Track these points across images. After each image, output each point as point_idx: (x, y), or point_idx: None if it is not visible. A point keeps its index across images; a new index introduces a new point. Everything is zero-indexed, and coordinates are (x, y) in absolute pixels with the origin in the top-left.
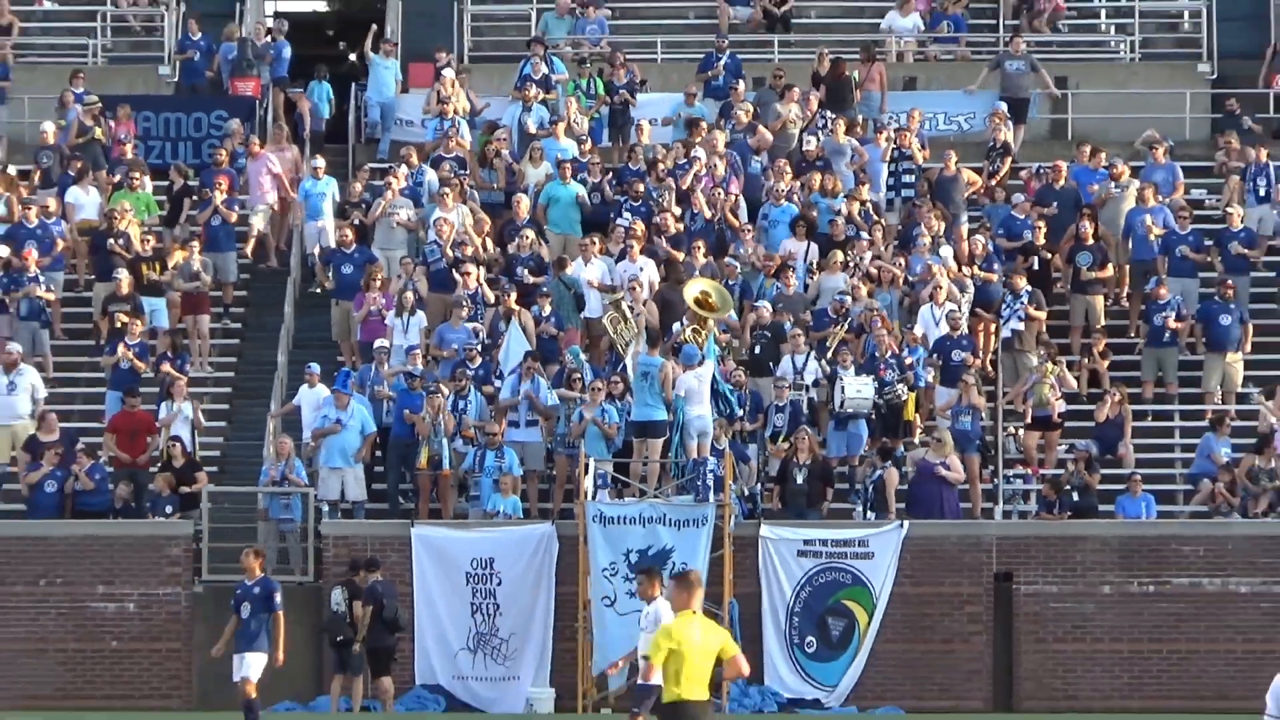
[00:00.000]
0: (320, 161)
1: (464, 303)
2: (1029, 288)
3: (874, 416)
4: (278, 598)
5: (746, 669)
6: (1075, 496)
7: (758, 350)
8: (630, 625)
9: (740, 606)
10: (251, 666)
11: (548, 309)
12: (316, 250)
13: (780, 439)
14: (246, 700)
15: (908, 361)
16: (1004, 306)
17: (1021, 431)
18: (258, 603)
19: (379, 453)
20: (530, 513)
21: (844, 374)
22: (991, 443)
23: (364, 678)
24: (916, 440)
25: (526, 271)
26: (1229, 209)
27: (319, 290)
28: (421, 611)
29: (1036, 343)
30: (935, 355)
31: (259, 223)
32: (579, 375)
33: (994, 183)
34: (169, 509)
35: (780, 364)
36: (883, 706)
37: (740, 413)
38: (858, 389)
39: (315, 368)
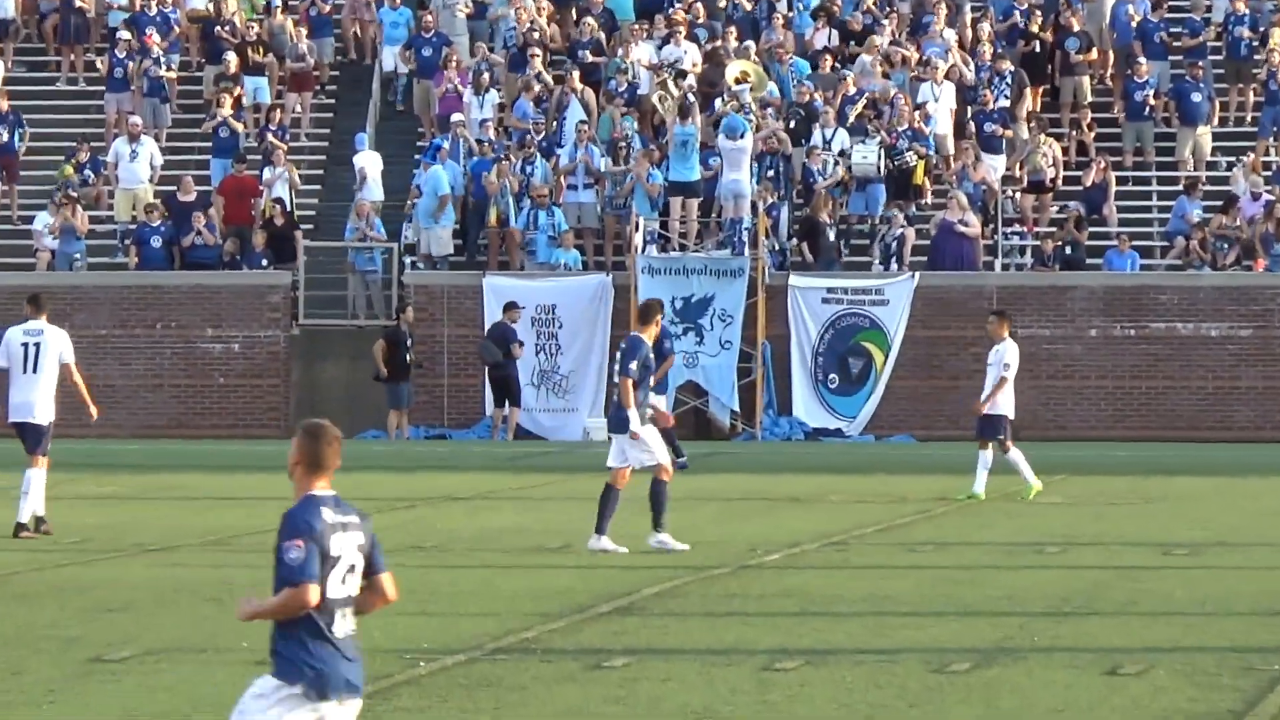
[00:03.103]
0: None
1: (533, 83)
2: (1013, 68)
3: (886, 180)
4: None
5: None
6: (1068, 251)
7: (792, 125)
8: (678, 362)
9: (771, 347)
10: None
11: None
12: (396, 60)
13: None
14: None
15: (924, 132)
16: (993, 86)
17: (1018, 194)
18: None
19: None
20: (588, 265)
21: (855, 143)
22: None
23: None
24: (928, 202)
25: (588, 53)
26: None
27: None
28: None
29: (1029, 118)
30: (969, 126)
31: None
32: (626, 144)
33: None
34: (264, 262)
35: (811, 136)
36: (896, 435)
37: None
38: (863, 155)
39: (362, 138)
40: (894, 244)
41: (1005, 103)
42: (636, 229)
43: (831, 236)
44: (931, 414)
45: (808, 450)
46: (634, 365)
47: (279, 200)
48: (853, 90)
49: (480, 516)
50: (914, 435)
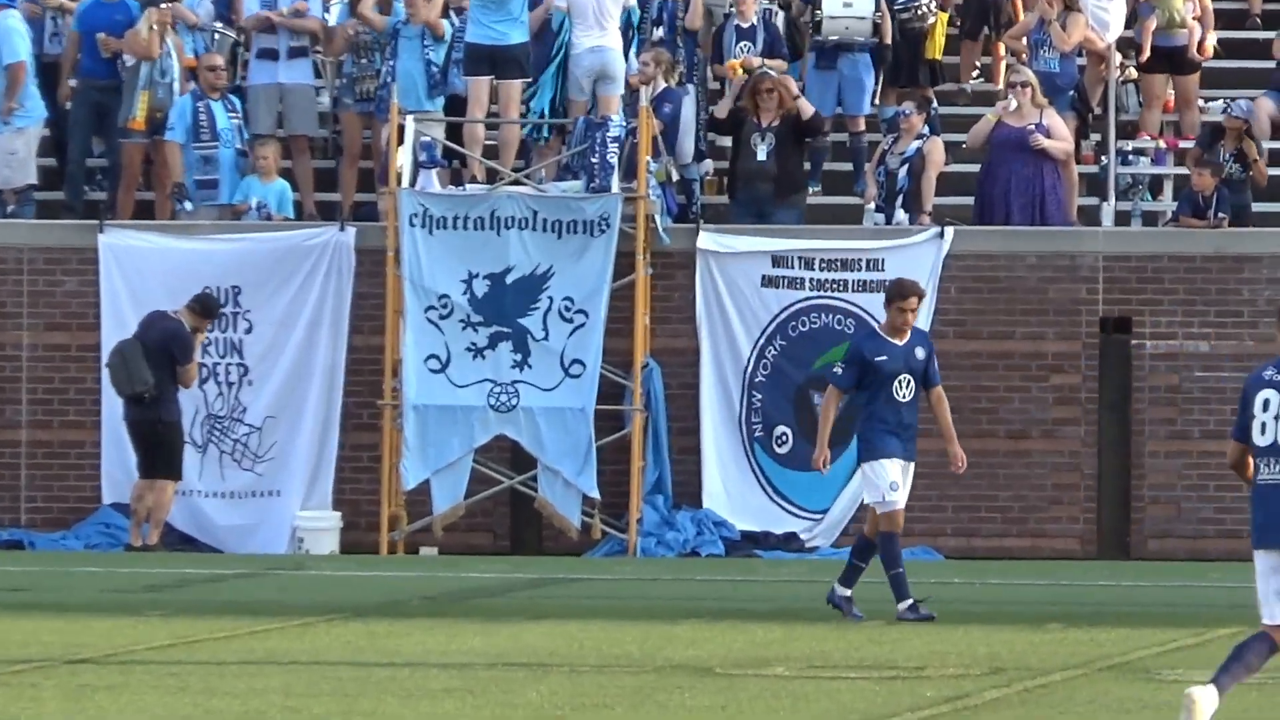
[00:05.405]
0: None
1: None
2: None
3: (884, 51)
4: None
5: None
6: (1225, 191)
7: None
8: (478, 402)
9: (666, 372)
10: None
11: None
12: None
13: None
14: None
15: None
16: None
17: (1134, 75)
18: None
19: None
20: (304, 208)
21: None
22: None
23: None
24: (968, 87)
25: None
26: None
27: None
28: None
29: None
30: None
31: None
32: None
33: None
34: None
35: None
36: (908, 548)
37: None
38: (845, 1)
39: None
40: (903, 171)
41: None
42: (401, 139)
43: (763, 153)
44: (976, 507)
45: (732, 578)
46: None
47: None
48: None
49: (94, 701)
50: (939, 549)
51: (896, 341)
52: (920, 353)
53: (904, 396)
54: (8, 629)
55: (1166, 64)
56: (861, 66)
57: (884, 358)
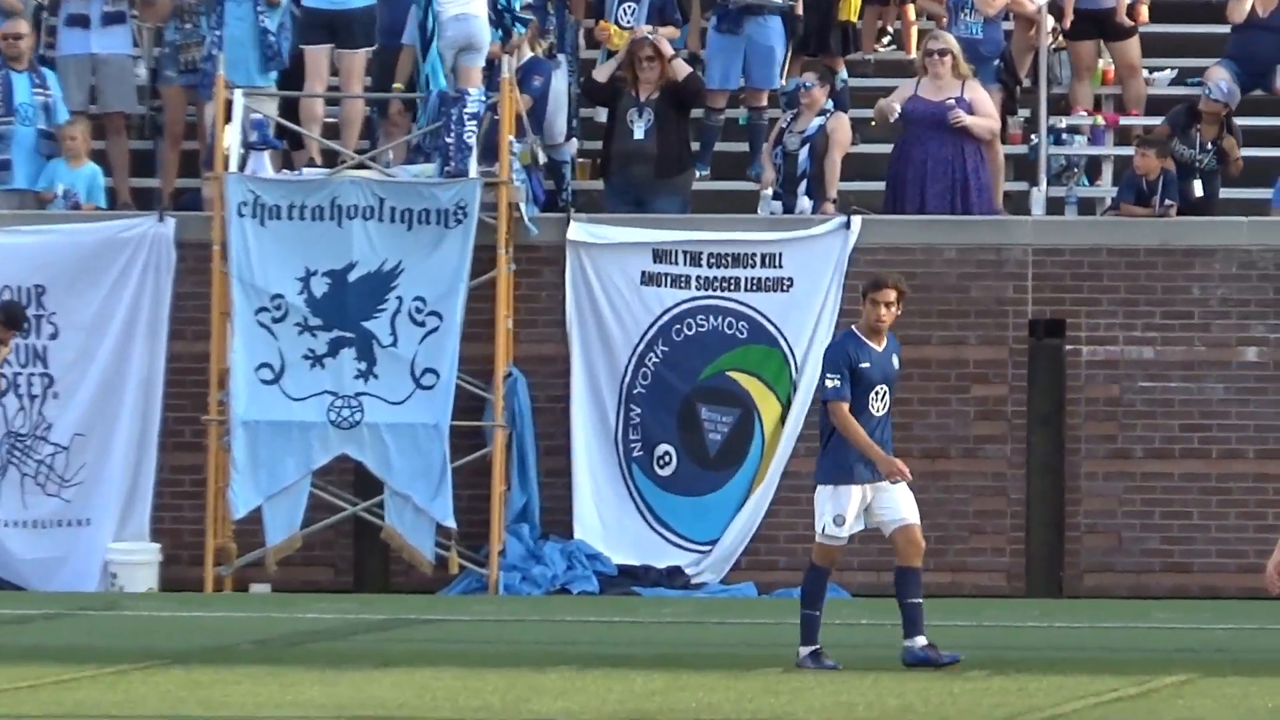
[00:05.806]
0: None
1: None
2: None
3: (796, 23)
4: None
5: None
6: (1199, 185)
7: None
8: (317, 417)
9: (532, 383)
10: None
11: None
12: None
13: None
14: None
15: None
16: None
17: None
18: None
19: None
20: (118, 195)
21: None
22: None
23: None
24: (871, 58)
25: None
26: None
27: None
28: None
29: None
30: None
31: None
32: None
33: None
34: None
35: None
36: None
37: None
38: None
39: None
40: (803, 152)
41: None
42: (229, 117)
43: (641, 130)
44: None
45: (608, 618)
46: None
47: None
48: None
49: None
50: (845, 585)
51: (876, 346)
52: (895, 361)
53: (878, 410)
54: None
55: (1094, 28)
56: (772, 32)
57: (867, 364)
